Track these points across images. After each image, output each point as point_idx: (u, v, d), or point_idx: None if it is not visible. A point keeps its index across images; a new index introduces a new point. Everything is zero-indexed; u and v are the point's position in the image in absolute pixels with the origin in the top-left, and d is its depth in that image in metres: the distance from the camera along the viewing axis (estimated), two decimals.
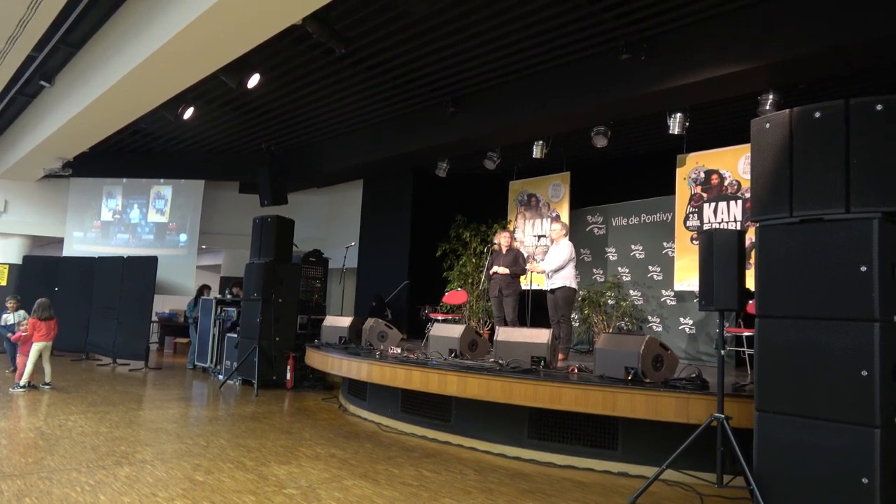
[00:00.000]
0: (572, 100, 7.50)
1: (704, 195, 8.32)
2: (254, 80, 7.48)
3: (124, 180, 13.21)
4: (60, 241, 13.21)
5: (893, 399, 3.29)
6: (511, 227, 10.93)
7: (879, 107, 3.42)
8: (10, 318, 8.63)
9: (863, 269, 3.35)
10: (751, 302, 4.22)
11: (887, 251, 3.35)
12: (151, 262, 10.94)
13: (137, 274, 10.88)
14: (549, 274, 7.24)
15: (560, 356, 6.61)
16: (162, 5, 5.95)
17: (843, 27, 5.33)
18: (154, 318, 12.74)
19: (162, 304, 13.60)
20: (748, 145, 7.87)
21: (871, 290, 3.31)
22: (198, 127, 10.56)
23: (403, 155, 9.95)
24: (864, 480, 3.20)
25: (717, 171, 8.20)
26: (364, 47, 7.23)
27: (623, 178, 10.11)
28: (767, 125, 3.85)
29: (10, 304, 8.77)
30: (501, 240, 7.79)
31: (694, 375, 4.66)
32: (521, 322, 7.53)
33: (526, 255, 8.19)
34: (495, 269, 7.53)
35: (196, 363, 10.64)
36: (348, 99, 9.04)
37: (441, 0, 6.12)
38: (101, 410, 6.40)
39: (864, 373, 3.28)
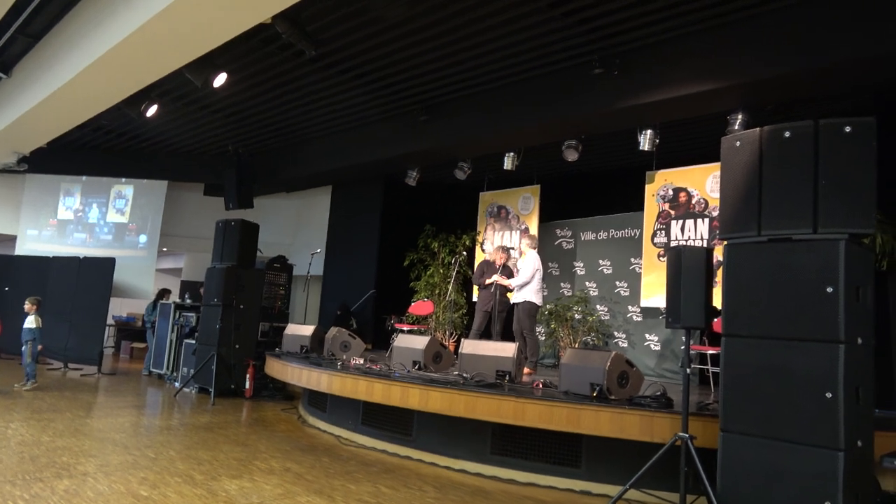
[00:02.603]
0: (544, 112, 7.47)
1: (672, 212, 8.37)
2: (220, 80, 7.28)
3: (84, 178, 12.79)
4: (13, 239, 12.71)
5: (858, 422, 3.27)
6: (480, 239, 10.87)
7: (848, 129, 3.43)
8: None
9: (829, 290, 3.33)
10: (716, 320, 4.19)
11: (853, 273, 3.34)
12: (109, 263, 10.58)
13: (94, 275, 10.50)
14: (517, 288, 7.26)
15: (527, 370, 6.56)
16: None
17: (812, 50, 5.40)
18: (110, 321, 12.33)
19: (119, 308, 13.18)
20: (716, 164, 7.94)
21: (836, 311, 3.29)
22: (162, 126, 10.27)
23: (374, 162, 9.82)
24: None
25: (685, 189, 8.26)
26: (336, 51, 7.10)
27: (593, 192, 10.13)
28: (738, 143, 3.83)
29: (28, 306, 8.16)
30: (496, 256, 7.76)
31: (659, 393, 4.61)
32: (507, 337, 7.50)
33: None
34: (502, 280, 7.46)
35: (152, 369, 10.29)
36: (318, 103, 8.88)
37: (415, 6, 6.04)
38: (45, 418, 6.08)
39: (829, 395, 3.25)
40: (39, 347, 7.95)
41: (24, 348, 7.87)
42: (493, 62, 7.16)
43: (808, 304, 3.39)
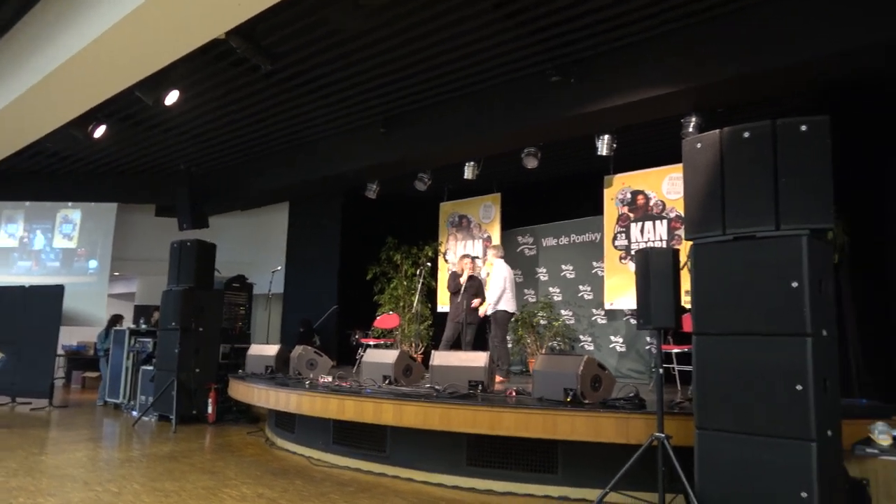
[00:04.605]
0: (503, 121, 7.52)
1: (631, 215, 8.52)
2: (172, 97, 7.08)
3: (27, 203, 12.27)
4: None
5: (827, 412, 3.36)
6: (443, 249, 10.86)
7: (804, 127, 3.54)
8: None
9: (794, 284, 3.42)
10: (684, 316, 4.26)
11: (816, 267, 3.44)
12: (57, 290, 10.13)
13: (41, 304, 10.03)
14: (492, 305, 7.37)
15: (499, 378, 6.56)
16: (72, 14, 5.53)
17: (759, 53, 5.58)
18: (60, 351, 11.80)
19: (69, 336, 12.61)
20: (672, 166, 8.20)
21: (802, 305, 3.38)
22: (110, 147, 9.93)
23: (332, 176, 9.71)
24: (804, 494, 3.23)
25: (642, 192, 8.42)
26: (292, 64, 7.00)
27: (553, 198, 10.24)
28: (699, 145, 3.91)
29: None
30: (466, 265, 7.75)
31: (632, 395, 4.65)
32: (477, 347, 7.49)
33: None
34: (480, 306, 7.52)
35: (107, 399, 9.88)
36: (274, 118, 8.74)
37: (371, 19, 6.00)
38: None
39: (799, 387, 3.33)
40: None
41: None
42: (450, 73, 7.18)
43: (775, 300, 3.47)
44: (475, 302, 7.47)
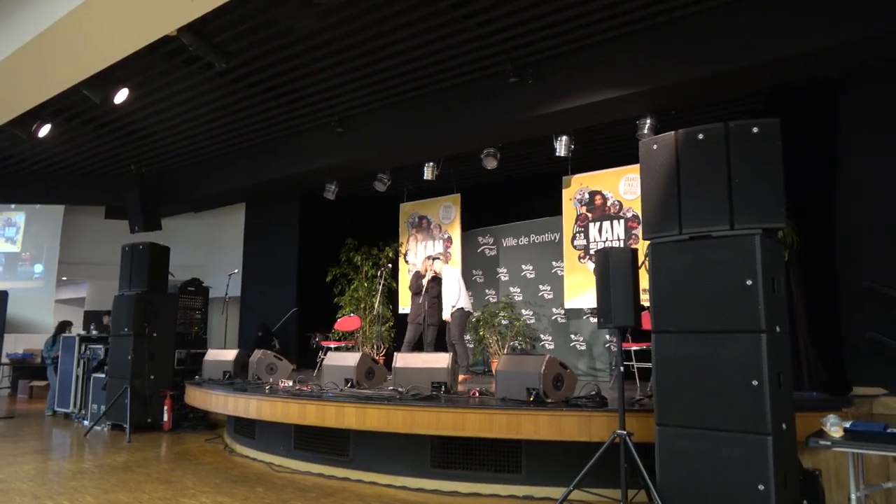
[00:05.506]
0: (462, 122, 7.52)
1: (589, 215, 8.63)
2: (122, 96, 6.85)
3: None
4: None
5: (781, 406, 3.46)
6: (403, 250, 10.81)
7: (755, 129, 3.64)
8: None
9: (748, 282, 3.51)
10: (643, 314, 4.33)
11: (769, 265, 3.54)
12: (0, 296, 9.71)
13: None
14: (453, 307, 7.42)
15: (462, 377, 6.58)
16: (13, 8, 5.29)
17: (713, 56, 5.71)
18: (4, 360, 11.32)
19: (14, 344, 12.12)
20: (628, 167, 8.33)
21: (756, 302, 3.48)
22: (56, 147, 9.56)
23: (289, 177, 9.55)
24: (761, 487, 3.32)
25: (600, 192, 8.54)
26: (246, 63, 6.86)
27: (513, 199, 10.30)
28: (655, 146, 3.98)
29: None
30: (429, 266, 7.76)
31: (594, 393, 4.70)
32: (439, 348, 7.50)
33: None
34: (447, 316, 7.56)
35: (56, 409, 9.51)
36: (229, 118, 8.55)
37: (327, 18, 5.92)
38: None
39: (755, 382, 3.42)
40: None
41: None
42: (408, 72, 7.14)
43: (731, 298, 3.56)
44: (448, 318, 7.55)
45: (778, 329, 3.55)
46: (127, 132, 9.07)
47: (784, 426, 3.47)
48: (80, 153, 10.02)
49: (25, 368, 12.27)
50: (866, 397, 5.21)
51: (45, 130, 7.71)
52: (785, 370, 3.56)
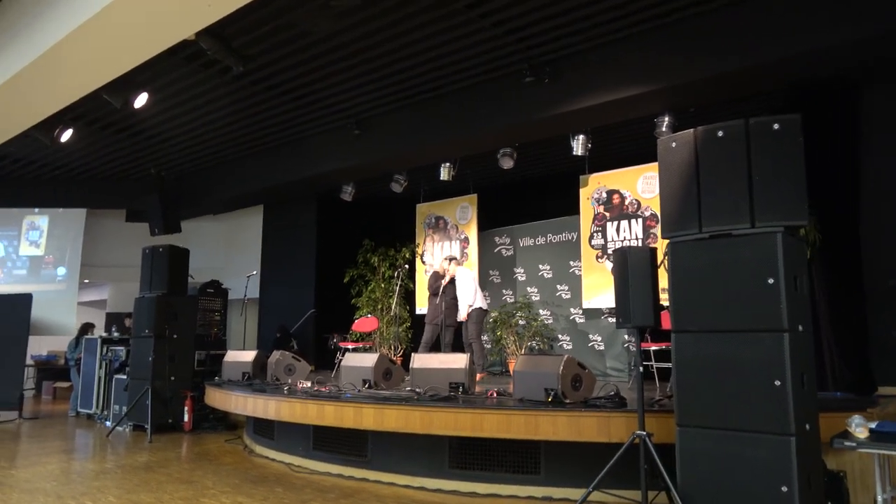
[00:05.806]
0: (478, 122, 7.52)
1: (607, 214, 8.58)
2: (141, 100, 6.95)
3: None
4: None
5: (805, 407, 3.40)
6: (420, 251, 10.82)
7: (776, 126, 3.58)
8: None
9: (770, 281, 3.45)
10: (662, 312, 4.28)
11: (791, 264, 3.48)
12: (25, 299, 9.87)
13: (8, 313, 9.74)
14: (469, 308, 7.44)
15: (478, 375, 6.60)
16: (37, 14, 5.38)
17: (732, 52, 5.65)
18: (29, 361, 11.50)
19: (38, 346, 12.29)
20: (646, 165, 8.27)
21: (779, 301, 3.42)
22: (78, 151, 9.72)
23: (306, 179, 9.62)
24: (784, 489, 3.26)
25: (618, 191, 8.48)
26: (263, 66, 6.91)
27: (529, 199, 10.26)
28: (673, 144, 3.94)
29: None
30: (448, 267, 7.79)
31: (612, 393, 4.67)
32: (457, 349, 7.51)
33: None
34: (463, 316, 7.63)
35: (79, 410, 9.65)
36: (247, 121, 8.63)
37: (343, 20, 5.95)
38: None
39: (777, 382, 3.36)
40: None
41: None
42: (424, 73, 7.15)
43: (752, 296, 3.50)
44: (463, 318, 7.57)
45: (801, 328, 3.49)
46: (146, 136, 9.19)
47: (808, 427, 3.40)
48: (100, 157, 10.17)
49: (49, 370, 12.47)
50: (892, 397, 5.11)
51: (66, 135, 7.85)
52: (808, 370, 3.50)
